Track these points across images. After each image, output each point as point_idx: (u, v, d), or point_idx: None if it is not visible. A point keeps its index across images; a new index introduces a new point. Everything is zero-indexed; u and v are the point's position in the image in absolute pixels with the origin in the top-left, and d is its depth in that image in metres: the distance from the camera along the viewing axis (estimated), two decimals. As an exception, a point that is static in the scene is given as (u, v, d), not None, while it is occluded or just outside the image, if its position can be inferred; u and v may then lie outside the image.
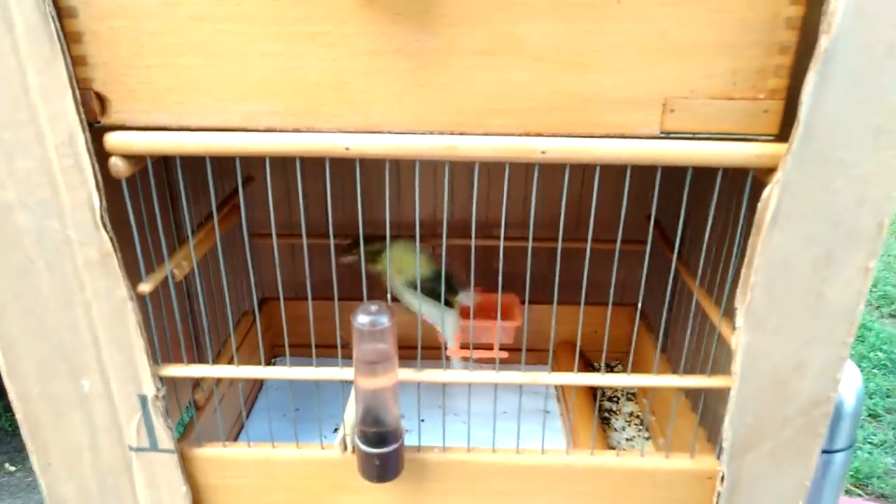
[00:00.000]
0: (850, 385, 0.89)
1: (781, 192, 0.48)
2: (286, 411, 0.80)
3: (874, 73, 0.44)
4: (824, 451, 0.91)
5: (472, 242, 0.56)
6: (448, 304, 0.78)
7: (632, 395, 0.89)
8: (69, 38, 0.45)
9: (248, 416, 0.81)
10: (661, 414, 0.81)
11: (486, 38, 0.45)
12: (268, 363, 0.95)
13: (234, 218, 0.73)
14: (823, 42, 0.43)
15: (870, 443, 2.06)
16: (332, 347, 0.60)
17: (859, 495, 1.85)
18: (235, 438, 0.78)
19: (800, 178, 0.47)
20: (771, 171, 0.48)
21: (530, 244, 0.58)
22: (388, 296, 0.66)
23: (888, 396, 2.27)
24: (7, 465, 1.95)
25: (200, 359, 0.76)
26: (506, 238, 0.59)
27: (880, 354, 2.45)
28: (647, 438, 0.80)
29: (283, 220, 0.91)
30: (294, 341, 0.67)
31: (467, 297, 0.80)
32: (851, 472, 1.92)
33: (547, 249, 0.70)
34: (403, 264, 0.76)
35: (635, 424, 0.81)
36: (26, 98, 0.46)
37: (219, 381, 0.72)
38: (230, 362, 0.60)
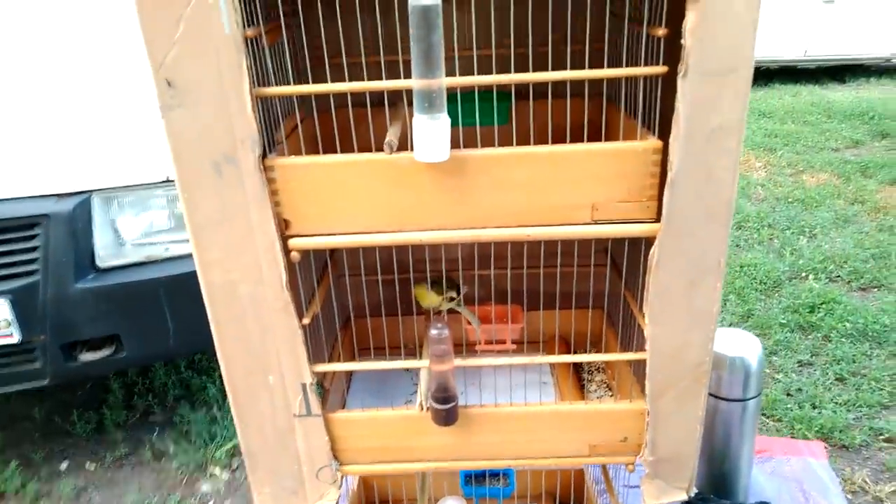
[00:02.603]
0: (753, 352, 1.34)
1: (660, 249, 0.92)
2: (372, 391, 1.25)
3: (700, 188, 0.88)
4: (740, 400, 1.37)
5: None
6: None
7: (600, 369, 1.34)
8: (271, 192, 0.89)
9: (347, 394, 1.27)
10: (618, 380, 1.26)
11: (492, 180, 0.90)
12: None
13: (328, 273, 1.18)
14: (670, 175, 0.88)
15: (835, 402, 2.46)
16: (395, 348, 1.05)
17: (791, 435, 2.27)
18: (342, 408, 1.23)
19: (669, 242, 0.92)
20: (654, 238, 0.92)
21: (541, 270, 1.03)
22: (440, 313, 1.11)
23: (853, 362, 2.68)
24: (87, 464, 2.40)
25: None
26: (511, 268, 1.03)
27: (847, 325, 2.86)
28: (612, 396, 1.24)
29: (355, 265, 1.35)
30: (364, 345, 1.12)
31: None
32: (817, 429, 2.33)
33: (543, 274, 1.15)
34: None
35: (603, 389, 1.26)
36: (250, 224, 0.90)
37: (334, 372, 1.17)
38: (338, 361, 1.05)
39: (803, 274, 3.28)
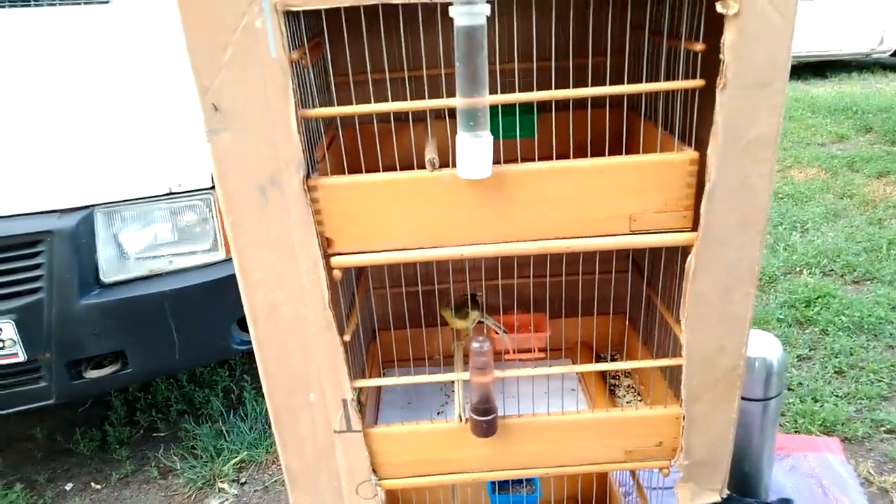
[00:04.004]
0: (774, 353, 1.37)
1: (697, 258, 0.95)
2: (402, 404, 1.26)
3: (737, 196, 0.90)
4: (762, 399, 1.40)
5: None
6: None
7: (628, 374, 1.36)
8: (314, 211, 0.90)
9: (379, 408, 1.28)
10: (647, 384, 1.28)
11: (530, 195, 0.92)
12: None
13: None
14: (708, 184, 0.90)
15: (835, 395, 2.51)
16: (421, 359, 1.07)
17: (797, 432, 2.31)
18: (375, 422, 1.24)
19: (706, 250, 0.94)
20: (691, 246, 0.94)
21: (563, 278, 1.05)
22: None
23: (851, 354, 2.73)
24: (93, 483, 2.38)
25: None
26: (534, 276, 1.05)
27: (844, 318, 2.92)
28: (640, 401, 1.27)
29: (378, 277, 1.37)
30: (389, 357, 1.14)
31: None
32: (820, 422, 2.38)
33: (565, 281, 1.17)
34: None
35: (632, 393, 1.29)
36: (292, 245, 0.91)
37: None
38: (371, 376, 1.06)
39: (797, 269, 3.34)
